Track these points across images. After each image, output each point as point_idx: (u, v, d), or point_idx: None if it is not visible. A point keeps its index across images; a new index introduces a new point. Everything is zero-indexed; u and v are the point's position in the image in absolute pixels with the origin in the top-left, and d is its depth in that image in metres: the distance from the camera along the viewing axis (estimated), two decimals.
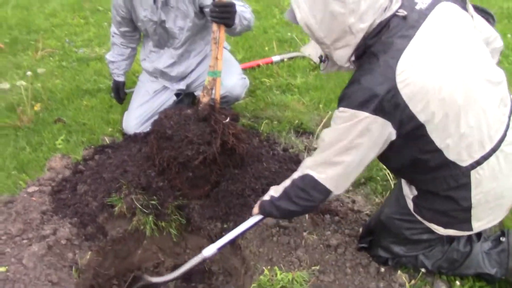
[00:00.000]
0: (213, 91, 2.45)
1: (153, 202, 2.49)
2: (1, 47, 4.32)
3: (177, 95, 3.18)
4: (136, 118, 3.06)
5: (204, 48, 3.01)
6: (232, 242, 2.14)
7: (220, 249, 2.08)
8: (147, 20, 2.80)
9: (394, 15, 1.62)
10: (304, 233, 2.35)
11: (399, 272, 2.15)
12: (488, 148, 1.70)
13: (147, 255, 2.68)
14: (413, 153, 1.72)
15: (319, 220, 2.43)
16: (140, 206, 2.46)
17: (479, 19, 1.86)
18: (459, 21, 1.68)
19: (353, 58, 1.70)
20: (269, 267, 2.17)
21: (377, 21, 1.61)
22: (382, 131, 1.63)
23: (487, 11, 1.97)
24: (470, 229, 1.88)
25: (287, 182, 1.94)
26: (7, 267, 2.18)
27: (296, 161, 2.84)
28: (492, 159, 1.71)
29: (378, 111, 1.57)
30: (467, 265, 2.03)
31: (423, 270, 2.13)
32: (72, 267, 2.32)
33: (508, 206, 1.88)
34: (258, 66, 3.90)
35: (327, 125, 3.13)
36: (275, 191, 1.99)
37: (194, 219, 2.54)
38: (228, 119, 2.47)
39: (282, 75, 3.77)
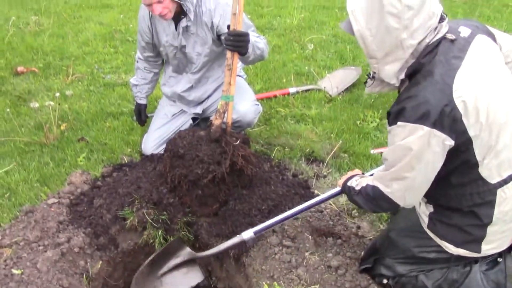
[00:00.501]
0: (226, 115, 2.58)
1: (163, 217, 2.60)
2: (35, 71, 4.58)
3: (194, 119, 3.32)
4: (154, 140, 3.20)
5: (222, 75, 3.13)
6: (274, 225, 2.36)
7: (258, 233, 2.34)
8: (168, 45, 2.98)
9: (443, 38, 1.74)
10: (306, 253, 2.41)
11: None
12: None
13: None
14: (449, 167, 1.79)
15: (322, 241, 2.50)
16: (150, 221, 2.58)
17: (507, 37, 1.97)
18: (495, 53, 1.83)
19: (402, 76, 1.77)
20: (268, 282, 2.24)
21: (427, 40, 1.71)
22: (443, 145, 1.69)
23: None
24: (479, 251, 1.95)
25: (368, 181, 2.00)
26: (22, 270, 2.31)
27: (305, 187, 2.93)
28: None
29: (437, 125, 1.65)
30: (466, 285, 2.06)
31: None
32: (83, 274, 2.43)
33: None
34: (275, 96, 4.02)
35: (337, 154, 3.25)
36: (357, 183, 2.08)
37: (201, 235, 2.62)
38: (238, 142, 2.59)
39: (297, 105, 3.89)
